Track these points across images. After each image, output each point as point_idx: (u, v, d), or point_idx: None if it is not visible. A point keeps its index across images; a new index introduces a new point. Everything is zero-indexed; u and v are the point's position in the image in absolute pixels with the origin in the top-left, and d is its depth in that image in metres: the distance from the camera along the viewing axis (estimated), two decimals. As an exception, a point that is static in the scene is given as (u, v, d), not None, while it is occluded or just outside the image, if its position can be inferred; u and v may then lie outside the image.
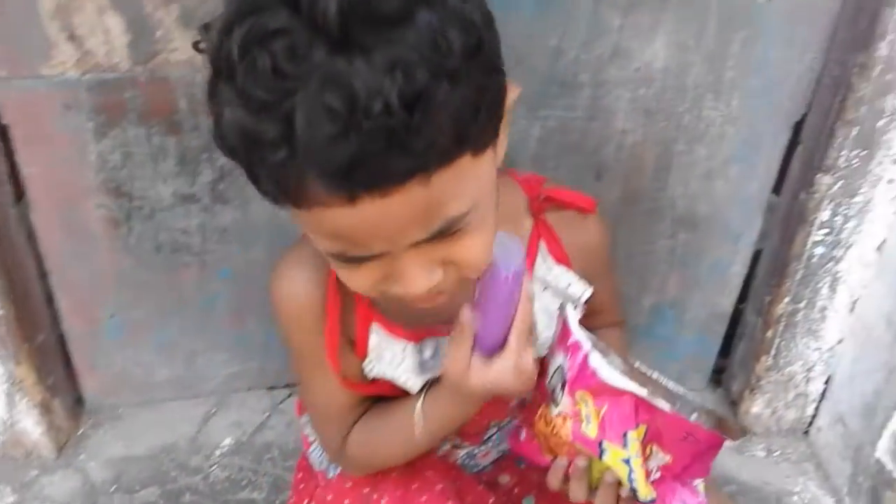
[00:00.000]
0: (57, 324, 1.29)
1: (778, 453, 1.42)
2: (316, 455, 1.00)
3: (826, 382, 1.38)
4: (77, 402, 1.39)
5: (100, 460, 1.33)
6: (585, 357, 0.74)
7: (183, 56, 1.04)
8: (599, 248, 0.93)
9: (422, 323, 0.83)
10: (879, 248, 1.20)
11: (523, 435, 0.87)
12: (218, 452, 1.36)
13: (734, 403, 1.46)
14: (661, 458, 0.74)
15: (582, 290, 0.88)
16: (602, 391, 0.73)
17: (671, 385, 0.77)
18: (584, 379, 0.74)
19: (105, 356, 1.33)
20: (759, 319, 1.34)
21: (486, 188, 0.64)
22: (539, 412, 0.82)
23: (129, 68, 1.04)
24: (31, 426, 1.26)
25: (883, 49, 1.00)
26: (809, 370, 1.35)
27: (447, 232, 0.62)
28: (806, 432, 1.45)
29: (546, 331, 0.85)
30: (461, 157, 0.58)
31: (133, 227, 1.19)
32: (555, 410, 0.78)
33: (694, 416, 0.73)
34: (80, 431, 1.38)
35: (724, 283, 1.35)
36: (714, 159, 1.19)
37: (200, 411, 1.43)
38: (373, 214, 0.56)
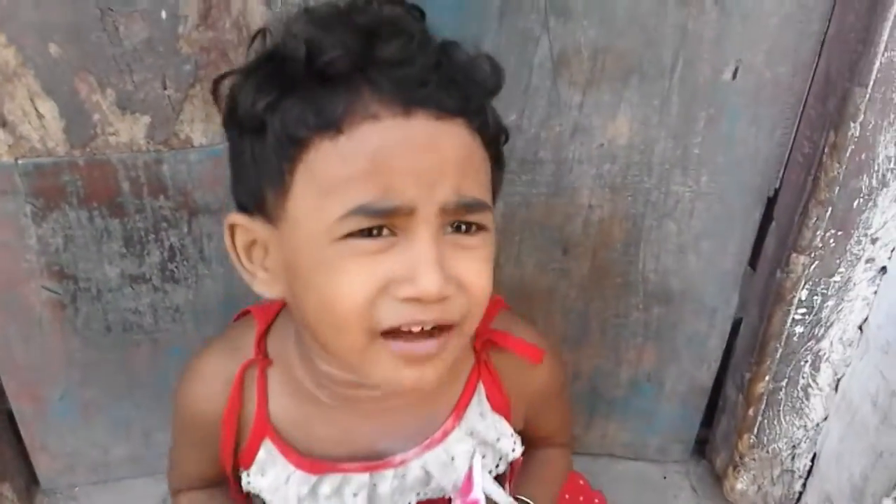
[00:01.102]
0: (5, 405, 1.24)
1: (766, 531, 1.36)
2: None
3: (813, 460, 1.32)
4: (31, 483, 1.34)
5: (53, 545, 1.28)
6: None
7: (123, 138, 1.00)
8: (546, 389, 0.88)
9: (327, 455, 0.78)
10: (861, 327, 1.14)
11: None
12: (177, 534, 1.30)
13: (718, 478, 1.40)
14: None
15: (511, 447, 0.83)
16: None
17: None
18: None
19: (57, 436, 1.28)
20: (739, 396, 1.28)
21: (492, 234, 0.69)
22: None
23: (67, 152, 0.99)
24: (-23, 513, 1.21)
25: (854, 129, 0.95)
26: (795, 447, 1.29)
27: (468, 221, 0.65)
28: (795, 509, 1.39)
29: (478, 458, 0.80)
30: (487, 152, 0.67)
31: (80, 308, 1.14)
32: None
33: None
34: (34, 513, 1.33)
35: (703, 357, 1.29)
36: (685, 234, 1.14)
37: (160, 490, 1.36)
38: (422, 134, 0.61)
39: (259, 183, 0.66)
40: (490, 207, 0.67)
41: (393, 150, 0.60)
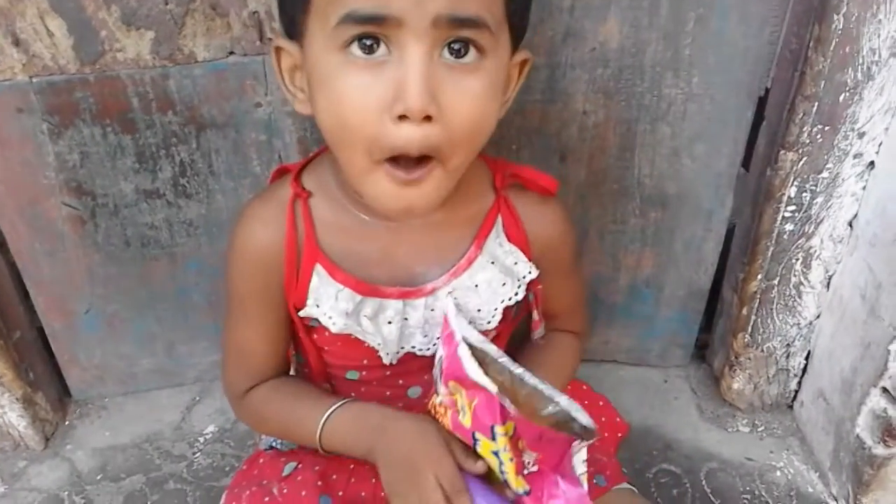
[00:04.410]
0: (35, 320, 1.31)
1: (762, 428, 1.41)
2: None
3: (807, 358, 1.36)
4: (63, 394, 1.42)
5: (86, 450, 1.36)
6: (456, 347, 0.76)
7: (130, 54, 1.04)
8: (560, 239, 0.94)
9: (370, 277, 0.86)
10: (851, 223, 1.17)
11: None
12: (201, 440, 1.38)
13: (717, 380, 1.45)
14: (530, 454, 0.76)
15: (526, 271, 0.89)
16: (471, 384, 0.76)
17: (542, 387, 0.77)
18: (454, 369, 0.76)
19: (85, 349, 1.36)
20: (734, 296, 1.32)
21: (499, 69, 0.73)
22: (430, 399, 0.84)
23: (78, 69, 1.04)
24: (15, 419, 1.29)
25: (838, 21, 0.96)
26: (789, 346, 1.34)
27: (465, 39, 0.68)
28: (790, 407, 1.43)
29: (486, 305, 0.88)
30: None
31: (99, 223, 1.20)
32: (437, 399, 0.81)
33: (550, 413, 0.75)
34: (67, 422, 1.41)
35: (700, 261, 1.33)
36: (678, 137, 1.17)
37: (184, 399, 1.45)
38: None
39: (291, 4, 0.74)
40: (489, 28, 0.69)
41: None
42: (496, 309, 0.88)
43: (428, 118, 0.68)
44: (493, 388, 0.73)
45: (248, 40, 1.05)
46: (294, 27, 0.75)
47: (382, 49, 0.68)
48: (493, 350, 0.78)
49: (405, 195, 0.74)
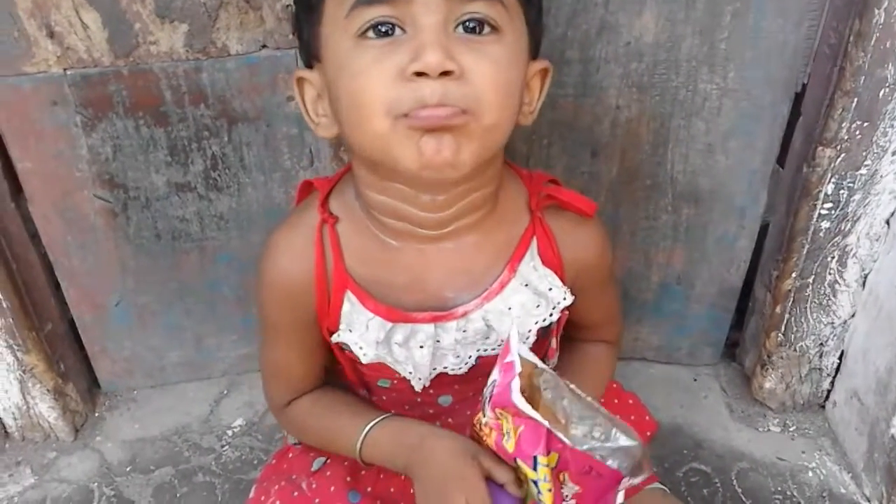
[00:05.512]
0: (66, 312, 1.32)
1: (794, 428, 1.39)
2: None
3: (840, 357, 1.34)
4: (93, 386, 1.43)
5: (116, 442, 1.37)
6: (511, 380, 0.75)
7: (163, 47, 1.04)
8: (597, 261, 0.92)
9: (400, 304, 0.84)
10: (888, 221, 1.15)
11: (468, 431, 0.89)
12: (230, 433, 1.39)
13: (748, 379, 1.43)
14: (571, 487, 0.75)
15: (561, 297, 0.87)
16: (518, 413, 0.74)
17: (606, 416, 0.76)
18: (504, 399, 0.75)
19: (115, 342, 1.37)
20: (767, 294, 1.30)
21: (517, 50, 0.73)
22: (476, 416, 0.83)
23: (111, 62, 1.04)
24: (45, 410, 1.30)
25: (879, 16, 0.94)
26: (822, 345, 1.32)
27: (476, 15, 0.68)
28: (823, 407, 1.42)
29: (520, 327, 0.86)
30: None
31: (131, 216, 1.21)
32: (483, 419, 0.80)
33: (604, 453, 0.74)
34: (97, 414, 1.42)
35: (732, 258, 1.31)
36: (713, 133, 1.15)
37: (212, 393, 1.45)
38: None
39: (306, 25, 0.74)
40: (501, 1, 0.69)
41: None
42: (530, 331, 0.86)
43: (448, 73, 0.66)
44: (545, 423, 0.72)
45: (281, 34, 1.05)
46: (310, 49, 0.75)
47: (397, 32, 0.68)
48: (550, 370, 0.78)
49: (433, 141, 0.69)
